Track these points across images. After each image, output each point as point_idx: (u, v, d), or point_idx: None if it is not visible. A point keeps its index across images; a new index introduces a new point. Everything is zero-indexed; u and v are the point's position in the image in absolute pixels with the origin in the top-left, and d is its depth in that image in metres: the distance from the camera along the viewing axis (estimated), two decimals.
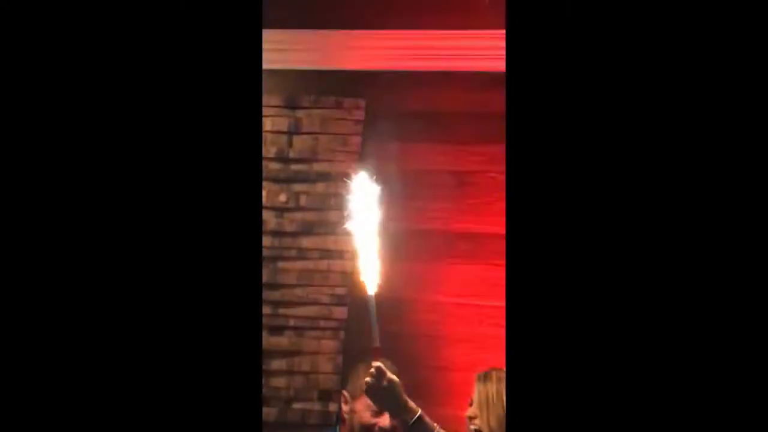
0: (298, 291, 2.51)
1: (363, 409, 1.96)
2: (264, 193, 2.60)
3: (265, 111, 2.60)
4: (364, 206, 1.88)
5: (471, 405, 1.94)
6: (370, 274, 1.82)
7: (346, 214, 1.92)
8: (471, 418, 1.91)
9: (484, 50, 2.50)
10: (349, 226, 1.88)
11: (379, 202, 1.89)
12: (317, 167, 2.63)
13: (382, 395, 1.71)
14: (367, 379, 1.69)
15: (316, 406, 2.42)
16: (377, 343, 1.75)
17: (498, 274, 2.46)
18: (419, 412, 1.69)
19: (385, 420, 1.92)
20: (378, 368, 1.68)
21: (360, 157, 2.63)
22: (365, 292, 1.80)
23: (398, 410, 1.71)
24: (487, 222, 2.50)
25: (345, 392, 2.05)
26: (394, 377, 1.70)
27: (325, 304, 2.49)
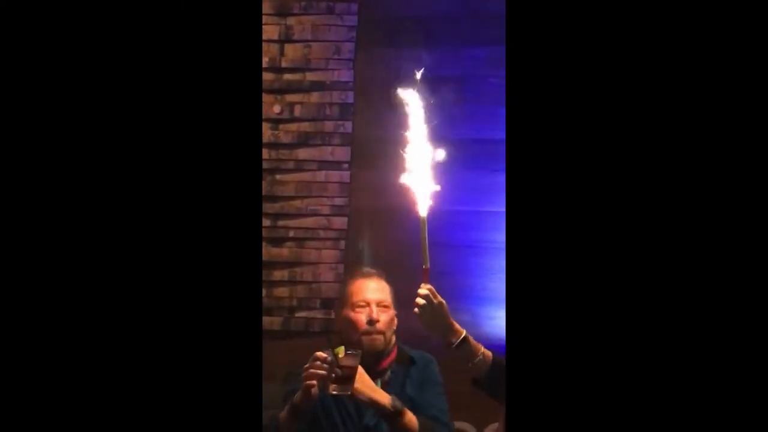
0: (297, 203, 2.59)
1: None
2: None
3: None
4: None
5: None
6: (423, 196, 1.82)
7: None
8: None
9: None
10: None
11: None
12: (310, 76, 2.67)
13: (431, 316, 1.74)
14: (418, 300, 1.73)
15: (319, 315, 2.54)
16: (427, 264, 1.77)
17: (497, 179, 2.50)
18: (464, 333, 1.73)
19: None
20: (430, 290, 1.72)
21: (354, 65, 2.67)
22: (417, 214, 1.81)
23: (445, 331, 1.75)
24: (485, 128, 2.53)
25: None
26: (442, 300, 1.75)
27: (325, 215, 2.58)
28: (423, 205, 1.77)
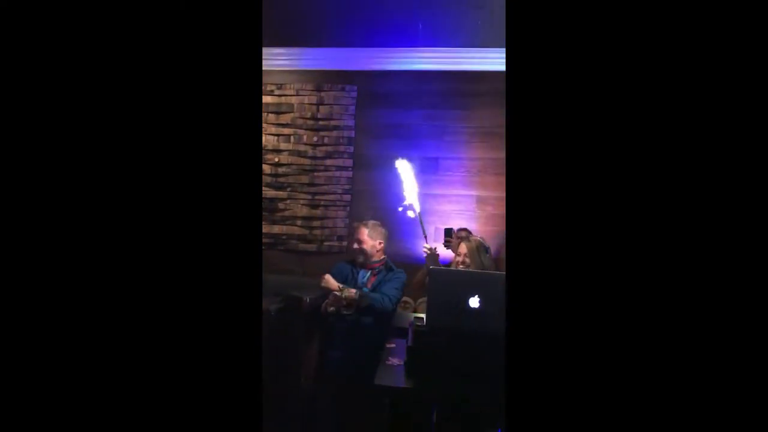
0: (326, 187, 3.72)
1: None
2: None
3: None
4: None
5: (460, 255, 2.62)
6: (412, 196, 2.71)
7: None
8: (464, 263, 2.62)
9: None
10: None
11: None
12: (333, 122, 3.71)
13: (430, 260, 2.66)
14: (424, 252, 2.62)
15: (335, 243, 3.72)
16: (425, 235, 2.67)
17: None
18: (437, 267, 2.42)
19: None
20: (430, 248, 2.67)
21: (355, 116, 3.61)
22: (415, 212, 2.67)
23: (434, 264, 2.56)
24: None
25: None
26: (436, 252, 2.61)
27: (339, 193, 3.70)
28: (416, 205, 2.81)
